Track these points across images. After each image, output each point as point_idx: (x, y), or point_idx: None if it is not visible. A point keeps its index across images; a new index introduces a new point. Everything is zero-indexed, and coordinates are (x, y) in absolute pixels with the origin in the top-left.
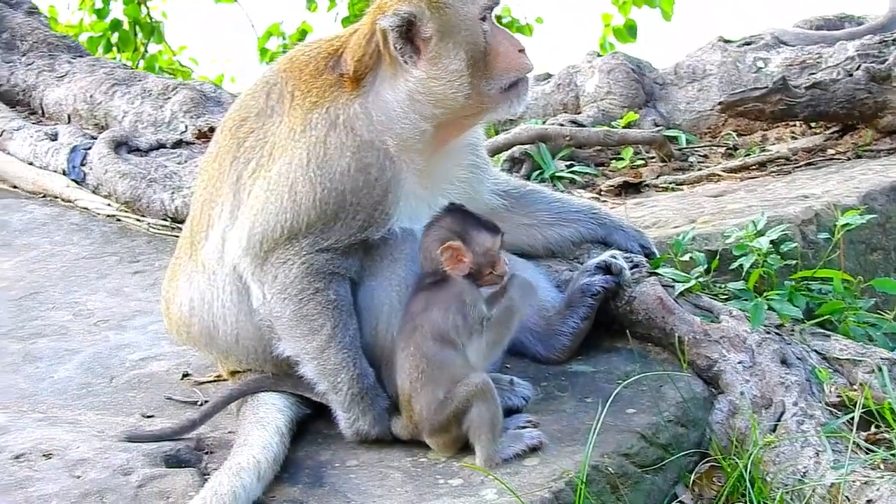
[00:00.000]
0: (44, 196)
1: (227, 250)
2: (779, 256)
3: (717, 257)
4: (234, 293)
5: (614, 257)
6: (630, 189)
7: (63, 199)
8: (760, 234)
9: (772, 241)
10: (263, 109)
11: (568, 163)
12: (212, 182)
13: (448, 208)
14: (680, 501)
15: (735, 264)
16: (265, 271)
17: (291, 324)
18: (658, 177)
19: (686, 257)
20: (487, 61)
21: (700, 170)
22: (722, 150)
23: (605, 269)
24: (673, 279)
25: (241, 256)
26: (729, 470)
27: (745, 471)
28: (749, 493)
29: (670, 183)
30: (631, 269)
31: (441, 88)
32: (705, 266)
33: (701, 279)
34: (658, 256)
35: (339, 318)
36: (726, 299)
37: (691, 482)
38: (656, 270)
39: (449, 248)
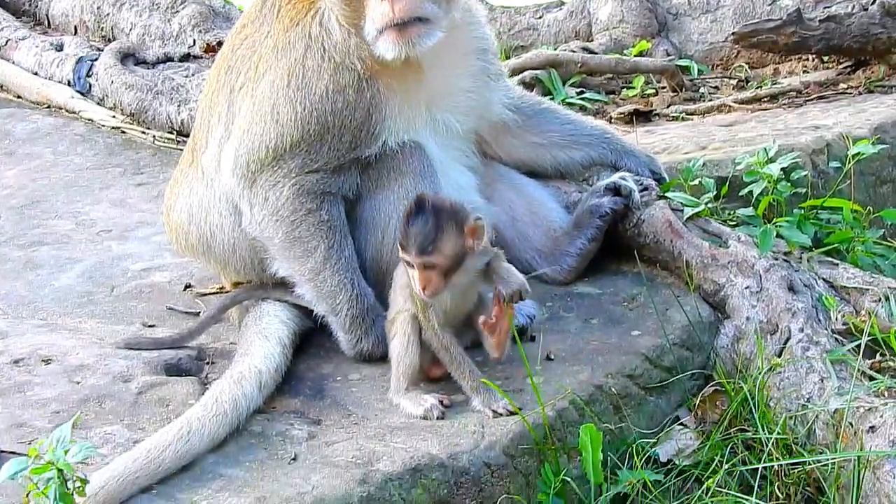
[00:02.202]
0: (48, 107)
1: (222, 163)
2: (789, 184)
3: (727, 184)
4: (230, 203)
5: (624, 179)
6: (640, 117)
7: (67, 110)
8: (771, 161)
9: (782, 169)
10: (258, 17)
11: (578, 90)
12: (211, 89)
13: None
14: (682, 424)
15: (745, 191)
16: (255, 193)
17: (285, 246)
18: (668, 106)
19: (696, 182)
20: (361, 5)
21: (711, 101)
22: (733, 82)
23: (615, 190)
24: (682, 203)
25: (229, 177)
26: (733, 394)
27: (750, 396)
28: (753, 417)
29: (681, 112)
30: (640, 191)
31: (336, 16)
32: (715, 192)
33: (710, 205)
34: (668, 182)
35: (332, 239)
36: (735, 225)
37: (695, 406)
38: (666, 194)
39: None
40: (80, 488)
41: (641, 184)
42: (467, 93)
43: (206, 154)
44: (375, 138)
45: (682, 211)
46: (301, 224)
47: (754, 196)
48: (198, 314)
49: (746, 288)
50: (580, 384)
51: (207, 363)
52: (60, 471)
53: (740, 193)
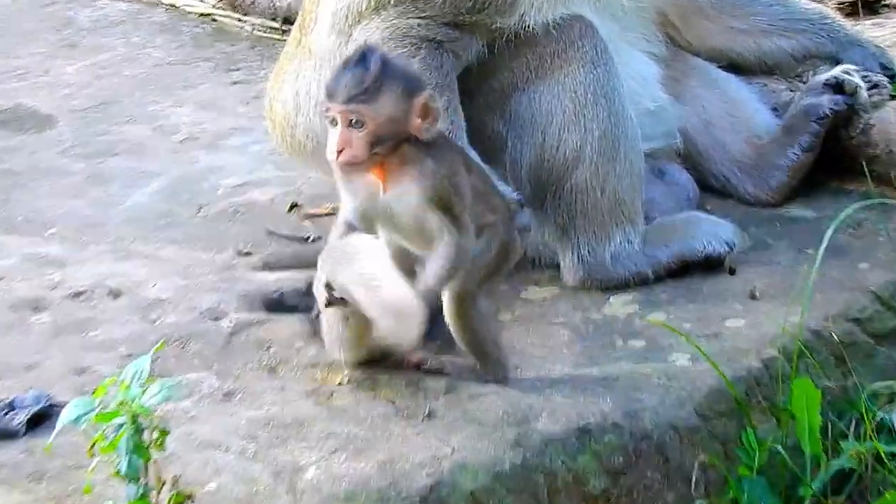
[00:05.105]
0: None
1: (321, 26)
2: None
3: None
4: None
5: (848, 73)
6: (865, 8)
7: None
8: None
9: None
10: None
11: None
12: None
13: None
14: None
15: None
16: (349, 47)
17: None
18: None
19: None
20: None
21: None
22: None
23: (836, 87)
24: None
25: (325, 38)
26: None
27: None
28: None
29: None
30: (868, 89)
31: None
32: None
33: None
34: None
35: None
36: None
37: None
38: None
39: None
40: (160, 440)
41: (870, 80)
42: None
43: (315, 30)
44: (511, 6)
45: None
46: None
47: None
48: (305, 240)
49: None
50: (792, 329)
51: None
52: (135, 416)
53: None
